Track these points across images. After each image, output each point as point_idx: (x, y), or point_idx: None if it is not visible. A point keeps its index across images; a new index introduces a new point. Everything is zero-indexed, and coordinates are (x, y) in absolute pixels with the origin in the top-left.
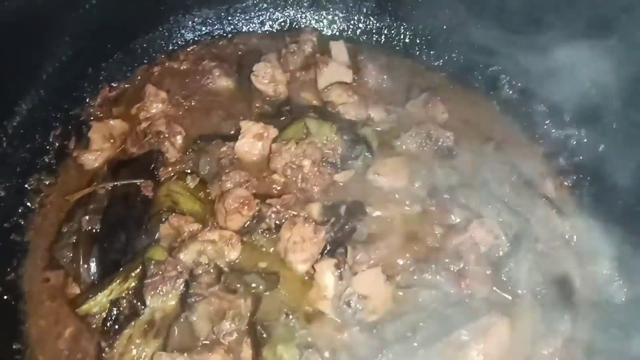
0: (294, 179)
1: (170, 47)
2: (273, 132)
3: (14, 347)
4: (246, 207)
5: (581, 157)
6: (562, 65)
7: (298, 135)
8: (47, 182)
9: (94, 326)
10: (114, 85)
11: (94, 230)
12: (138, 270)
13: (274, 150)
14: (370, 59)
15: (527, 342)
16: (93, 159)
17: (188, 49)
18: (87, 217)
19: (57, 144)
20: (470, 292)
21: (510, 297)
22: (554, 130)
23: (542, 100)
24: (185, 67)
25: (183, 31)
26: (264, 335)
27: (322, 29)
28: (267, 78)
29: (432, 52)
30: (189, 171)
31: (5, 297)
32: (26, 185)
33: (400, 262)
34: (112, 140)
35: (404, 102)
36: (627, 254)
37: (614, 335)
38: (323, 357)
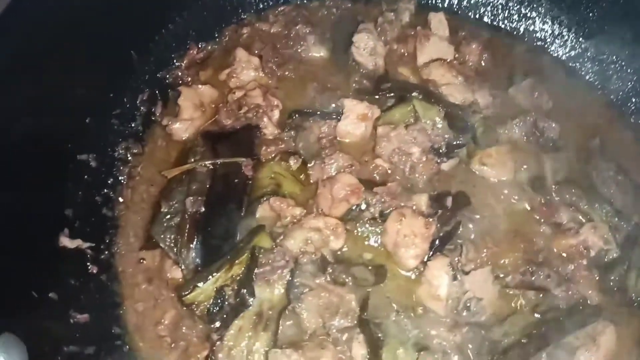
0: (400, 166)
1: (260, 6)
2: (376, 112)
3: (113, 331)
4: (354, 195)
5: None
6: None
7: (405, 118)
8: (135, 151)
9: (198, 313)
10: (201, 45)
11: (198, 212)
12: (244, 257)
13: (381, 135)
14: (472, 35)
15: (632, 350)
16: (183, 128)
17: (278, 10)
18: (191, 199)
19: (143, 109)
20: (579, 297)
21: (618, 304)
22: None
23: None
24: (275, 30)
25: None
26: (379, 335)
27: None
28: (368, 50)
29: (536, 34)
30: (291, 151)
31: (101, 277)
32: (115, 154)
33: (507, 261)
34: (202, 109)
35: (507, 86)
36: None
37: None
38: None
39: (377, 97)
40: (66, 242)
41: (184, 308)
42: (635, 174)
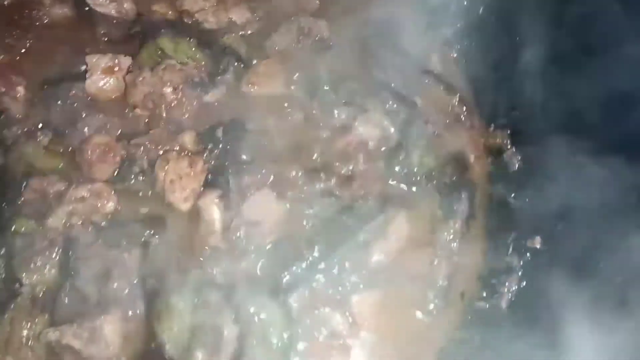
0: (157, 111)
1: None
2: (126, 61)
3: None
4: (110, 154)
5: (463, 24)
6: None
7: (152, 60)
8: None
9: None
10: None
11: None
12: (3, 249)
13: (129, 83)
14: None
15: (426, 230)
16: None
17: None
18: None
19: None
20: (363, 192)
21: (406, 188)
22: None
23: None
24: (7, 1)
25: None
26: (156, 287)
27: None
28: None
29: None
30: (40, 126)
31: None
32: None
33: (290, 175)
34: None
35: None
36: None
37: (511, 204)
38: (223, 292)
39: (132, 44)
40: None
41: None
42: (412, 49)
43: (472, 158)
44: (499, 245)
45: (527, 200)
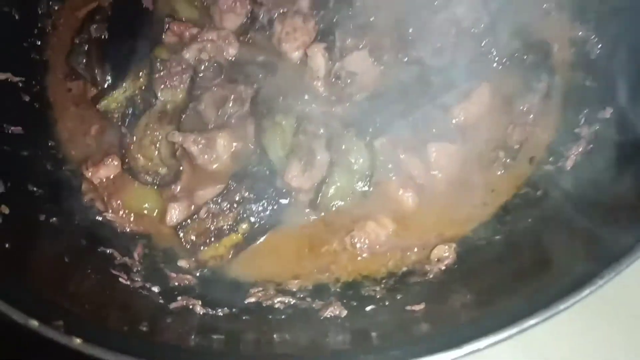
0: None
1: None
2: None
3: (49, 143)
4: (239, 5)
5: None
6: None
7: None
8: (56, 7)
9: (115, 121)
10: None
11: (103, 37)
12: (146, 69)
13: None
14: None
15: (506, 100)
16: None
17: None
18: (94, 26)
19: None
20: (452, 63)
21: (492, 65)
22: None
23: None
24: None
25: None
26: (265, 111)
27: None
28: None
29: None
30: None
31: (35, 104)
32: (38, 9)
33: (386, 43)
34: None
35: None
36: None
37: (588, 87)
38: (320, 126)
39: None
40: None
41: (106, 118)
42: None
43: (555, 47)
44: (571, 119)
45: (604, 82)
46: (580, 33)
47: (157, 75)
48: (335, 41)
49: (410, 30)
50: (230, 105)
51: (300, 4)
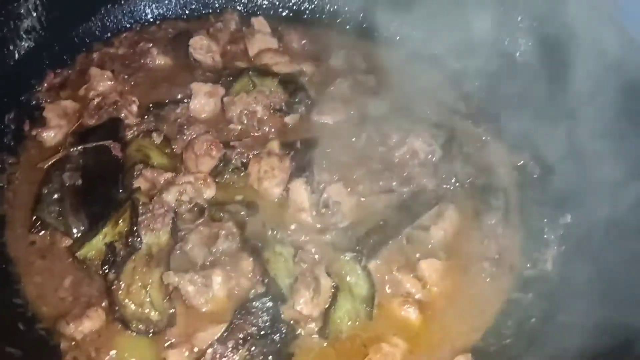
0: (250, 124)
1: (107, 35)
2: (221, 90)
3: (14, 301)
4: (214, 149)
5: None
6: None
7: (245, 88)
8: (10, 162)
9: (94, 269)
10: (58, 71)
11: (76, 184)
12: (126, 214)
13: (227, 103)
14: (289, 28)
15: (474, 217)
16: (52, 135)
17: (122, 36)
18: (67, 174)
19: (12, 126)
20: (419, 190)
21: (452, 188)
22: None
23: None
24: (122, 51)
25: (114, 20)
26: (260, 245)
27: (241, 8)
28: (204, 49)
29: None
30: (152, 129)
31: None
32: None
33: (356, 176)
34: (67, 118)
35: (327, 59)
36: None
37: (541, 200)
38: (315, 255)
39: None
40: None
41: (81, 268)
42: (443, 98)
43: (502, 171)
44: (536, 228)
45: (553, 195)
46: (519, 159)
47: (142, 217)
48: (313, 175)
49: (377, 165)
50: (222, 241)
51: (270, 146)
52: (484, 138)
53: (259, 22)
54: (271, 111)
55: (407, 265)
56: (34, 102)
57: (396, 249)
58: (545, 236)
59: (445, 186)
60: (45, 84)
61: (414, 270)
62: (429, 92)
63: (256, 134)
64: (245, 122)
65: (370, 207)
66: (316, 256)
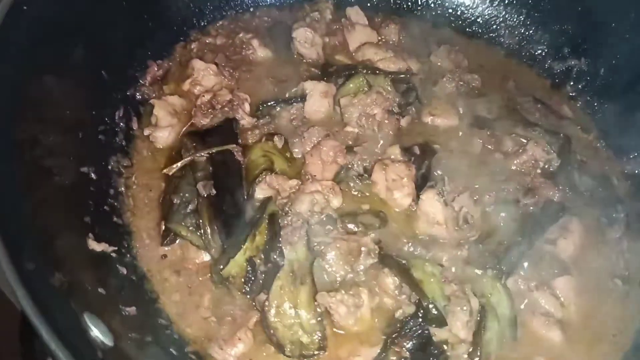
0: (368, 127)
1: (202, 23)
2: (333, 89)
3: (160, 322)
4: (341, 155)
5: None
6: None
7: (360, 87)
8: (125, 164)
9: (236, 287)
10: (159, 63)
11: (211, 195)
12: (262, 226)
13: (345, 104)
14: (387, 20)
15: (597, 232)
16: (165, 135)
17: (218, 24)
18: (202, 183)
19: (122, 125)
20: (545, 200)
21: (573, 199)
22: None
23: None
24: (221, 41)
25: (210, 7)
26: (403, 262)
27: None
28: (309, 42)
29: (436, 11)
30: (272, 132)
31: (132, 277)
32: (109, 167)
33: (478, 185)
34: (177, 116)
35: (427, 54)
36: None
37: None
38: (455, 274)
39: (325, 78)
40: (94, 245)
41: (219, 286)
42: (548, 102)
43: (614, 180)
44: None
45: None
46: (632, 167)
47: (283, 232)
48: (444, 185)
49: (498, 173)
50: (364, 258)
51: (392, 152)
52: (595, 145)
53: (355, 12)
54: (389, 111)
55: (542, 282)
56: (139, 97)
57: (529, 263)
58: None
59: (567, 197)
60: (149, 77)
61: (550, 287)
62: (535, 95)
63: (374, 137)
64: (364, 125)
65: (494, 218)
66: (458, 274)
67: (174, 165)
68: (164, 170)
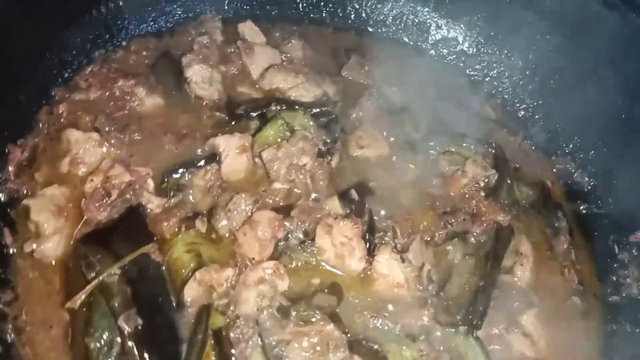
0: (299, 182)
1: (65, 74)
2: (249, 139)
3: None
4: (280, 229)
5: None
6: None
7: (281, 133)
8: (6, 300)
9: None
10: (21, 143)
11: (138, 326)
12: (208, 347)
13: (269, 159)
14: (285, 33)
15: (544, 246)
16: (54, 246)
17: (85, 72)
18: (123, 317)
19: None
20: (491, 224)
21: (516, 214)
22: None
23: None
24: (94, 95)
25: (72, 49)
26: (375, 347)
27: (221, 12)
28: (206, 81)
29: (338, 13)
30: (190, 215)
31: None
32: None
33: (425, 223)
34: (64, 215)
35: (338, 69)
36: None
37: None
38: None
39: (234, 123)
40: None
41: None
42: (469, 104)
43: (549, 183)
44: (607, 248)
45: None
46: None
47: (235, 351)
48: (397, 237)
49: (441, 204)
50: (331, 352)
51: (332, 206)
52: (523, 148)
53: (249, 29)
54: (317, 155)
55: (510, 321)
56: (4, 199)
57: (496, 304)
58: (618, 256)
59: (513, 215)
60: (12, 167)
61: (518, 326)
62: (459, 100)
63: (307, 191)
64: (294, 179)
65: (446, 255)
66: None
67: (77, 296)
68: (67, 305)
